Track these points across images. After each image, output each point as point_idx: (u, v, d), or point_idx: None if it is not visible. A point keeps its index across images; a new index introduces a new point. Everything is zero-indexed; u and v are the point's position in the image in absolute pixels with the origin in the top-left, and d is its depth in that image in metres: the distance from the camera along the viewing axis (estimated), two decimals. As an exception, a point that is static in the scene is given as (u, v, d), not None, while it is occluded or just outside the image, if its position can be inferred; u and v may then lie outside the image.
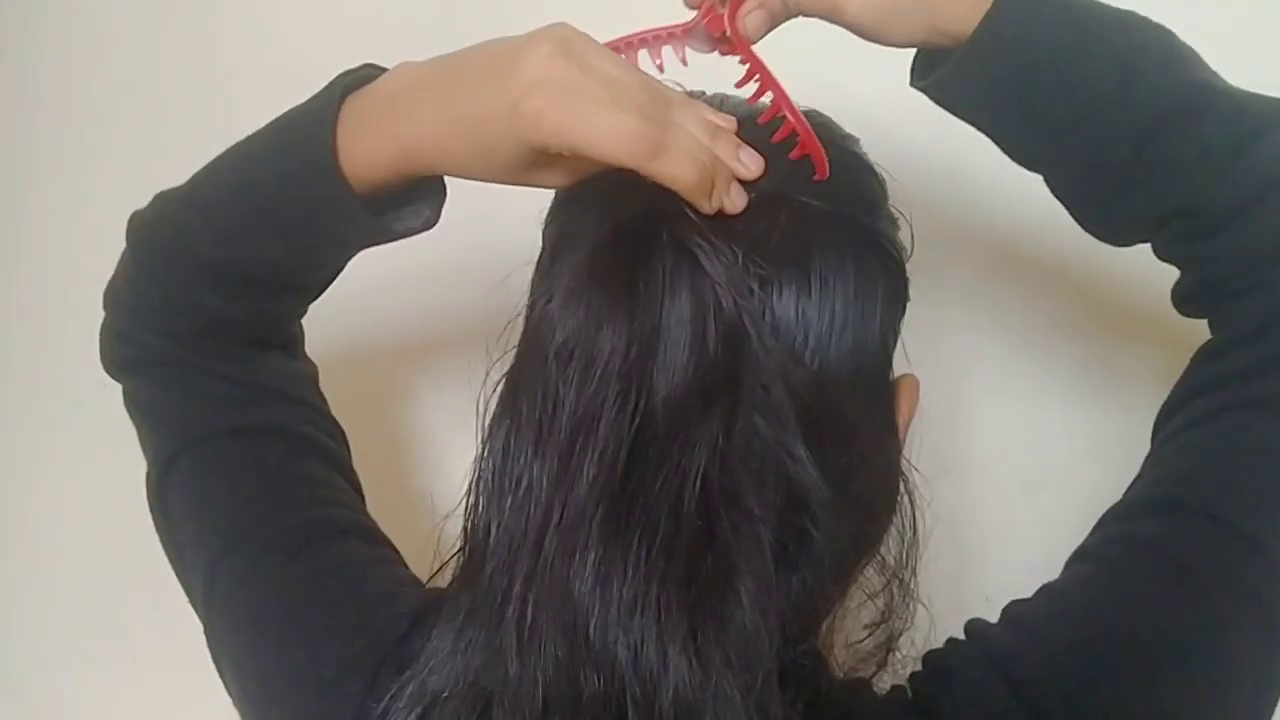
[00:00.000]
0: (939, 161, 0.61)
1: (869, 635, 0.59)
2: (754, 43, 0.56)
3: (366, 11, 1.09)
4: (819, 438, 0.52)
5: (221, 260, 0.62)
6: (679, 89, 0.56)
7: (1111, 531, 0.57)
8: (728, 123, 0.55)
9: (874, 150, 0.61)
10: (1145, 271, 0.61)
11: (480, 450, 0.54)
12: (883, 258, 0.57)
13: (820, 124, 0.59)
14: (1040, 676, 0.52)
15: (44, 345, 1.16)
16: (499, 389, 0.54)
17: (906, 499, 0.59)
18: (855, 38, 0.58)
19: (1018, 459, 0.91)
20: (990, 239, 0.89)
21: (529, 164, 0.52)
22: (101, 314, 0.68)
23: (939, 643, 0.57)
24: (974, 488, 0.91)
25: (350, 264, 0.65)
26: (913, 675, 0.56)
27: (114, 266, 0.67)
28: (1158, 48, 0.56)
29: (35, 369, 1.18)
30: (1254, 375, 0.55)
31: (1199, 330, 0.60)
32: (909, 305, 0.60)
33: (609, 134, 0.49)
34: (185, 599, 0.65)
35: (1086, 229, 0.61)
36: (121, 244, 0.66)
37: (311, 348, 0.72)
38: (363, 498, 0.69)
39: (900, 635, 0.59)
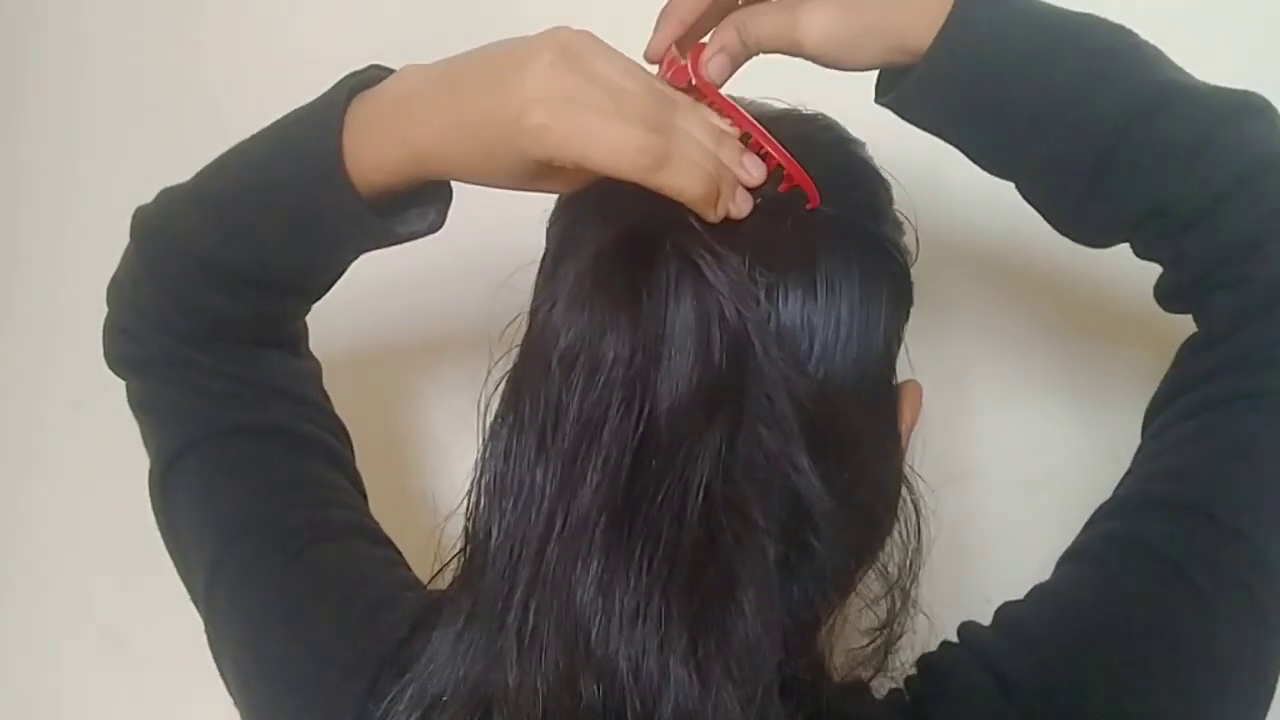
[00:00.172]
0: (939, 167, 0.61)
1: (869, 642, 0.59)
2: (719, 87, 0.56)
3: (366, 12, 1.09)
4: (822, 448, 0.52)
5: (226, 261, 0.62)
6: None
7: (1102, 529, 0.57)
8: (732, 129, 0.54)
9: (878, 154, 0.61)
10: (1142, 272, 0.61)
11: (482, 453, 0.53)
12: (888, 262, 0.57)
13: (825, 127, 0.60)
14: (1033, 678, 0.52)
15: (42, 345, 1.15)
16: (501, 391, 0.54)
17: (910, 506, 0.59)
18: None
19: (1017, 461, 0.92)
20: (987, 243, 0.89)
21: (534, 173, 0.52)
22: (101, 312, 0.68)
23: (936, 645, 0.58)
24: (974, 490, 0.91)
25: (354, 264, 0.65)
26: (908, 678, 0.56)
27: (112, 266, 0.67)
28: (1119, 48, 0.56)
29: (34, 368, 1.17)
30: (1236, 369, 0.55)
31: (1192, 329, 0.60)
32: (917, 312, 0.60)
33: (613, 148, 0.49)
34: (185, 598, 0.65)
35: (1062, 233, 0.61)
36: (120, 243, 0.66)
37: (315, 347, 0.72)
38: (365, 497, 0.69)
39: (899, 639, 0.59)
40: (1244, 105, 0.55)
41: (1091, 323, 0.89)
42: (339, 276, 0.66)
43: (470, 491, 0.54)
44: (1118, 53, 0.55)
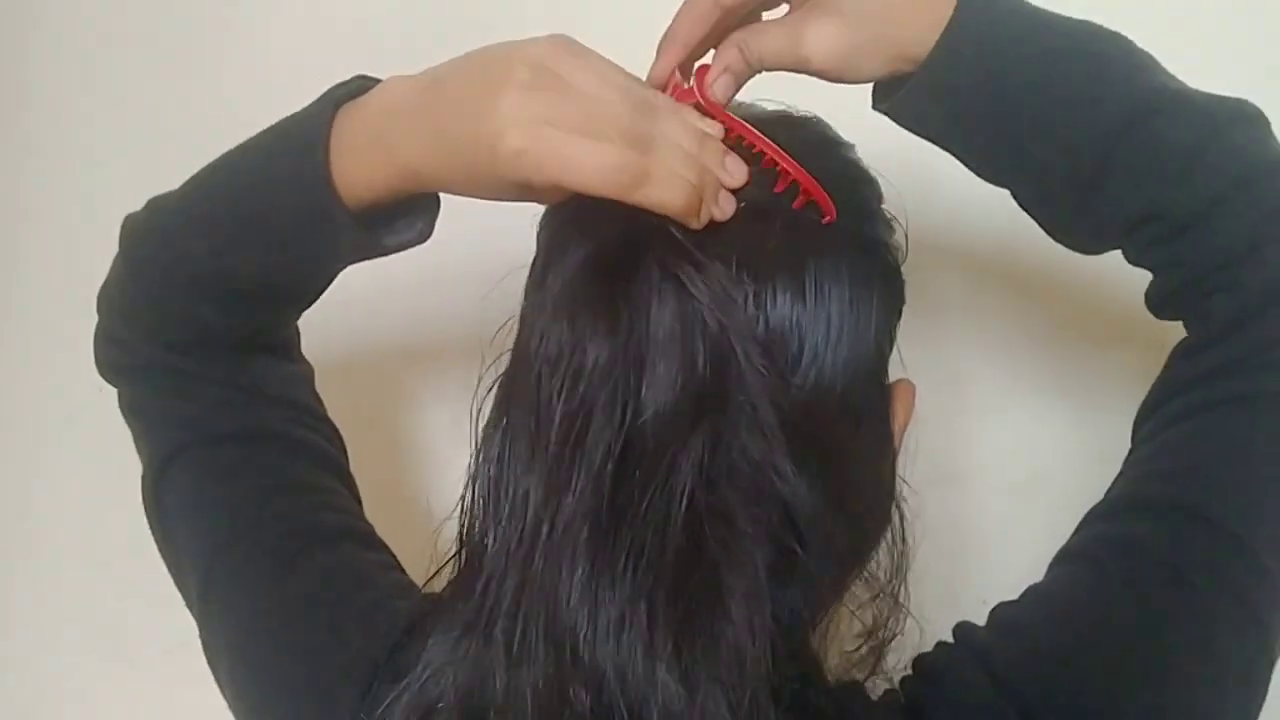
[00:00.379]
0: (932, 169, 0.61)
1: (862, 643, 0.59)
2: (726, 106, 0.56)
3: (364, 13, 1.09)
4: (810, 454, 0.52)
5: (215, 272, 0.62)
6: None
7: (1095, 530, 0.57)
8: (714, 129, 0.54)
9: (872, 155, 0.60)
10: (1133, 276, 0.61)
11: (475, 457, 0.54)
12: (878, 264, 0.57)
13: (813, 130, 0.60)
14: (1028, 678, 0.52)
15: (41, 348, 1.16)
16: (494, 396, 0.54)
17: (896, 510, 0.59)
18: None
19: (1009, 463, 0.92)
20: (980, 247, 0.89)
21: (519, 190, 0.52)
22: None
23: (931, 646, 0.58)
24: (967, 492, 0.91)
25: (349, 268, 0.64)
26: (904, 679, 0.57)
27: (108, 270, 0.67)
28: (1115, 55, 0.56)
29: (31, 373, 1.18)
30: (1229, 373, 0.55)
31: (1182, 333, 0.60)
32: (911, 314, 0.60)
33: (590, 169, 0.48)
34: (181, 602, 0.65)
35: (1057, 239, 0.61)
36: (114, 248, 0.66)
37: (309, 351, 0.72)
38: (359, 501, 0.69)
39: (891, 641, 0.59)
40: (1238, 112, 0.55)
41: (1082, 326, 0.89)
42: (328, 285, 0.66)
43: (463, 496, 0.54)
44: (1113, 59, 0.56)
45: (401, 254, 0.62)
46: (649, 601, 0.48)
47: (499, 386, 0.54)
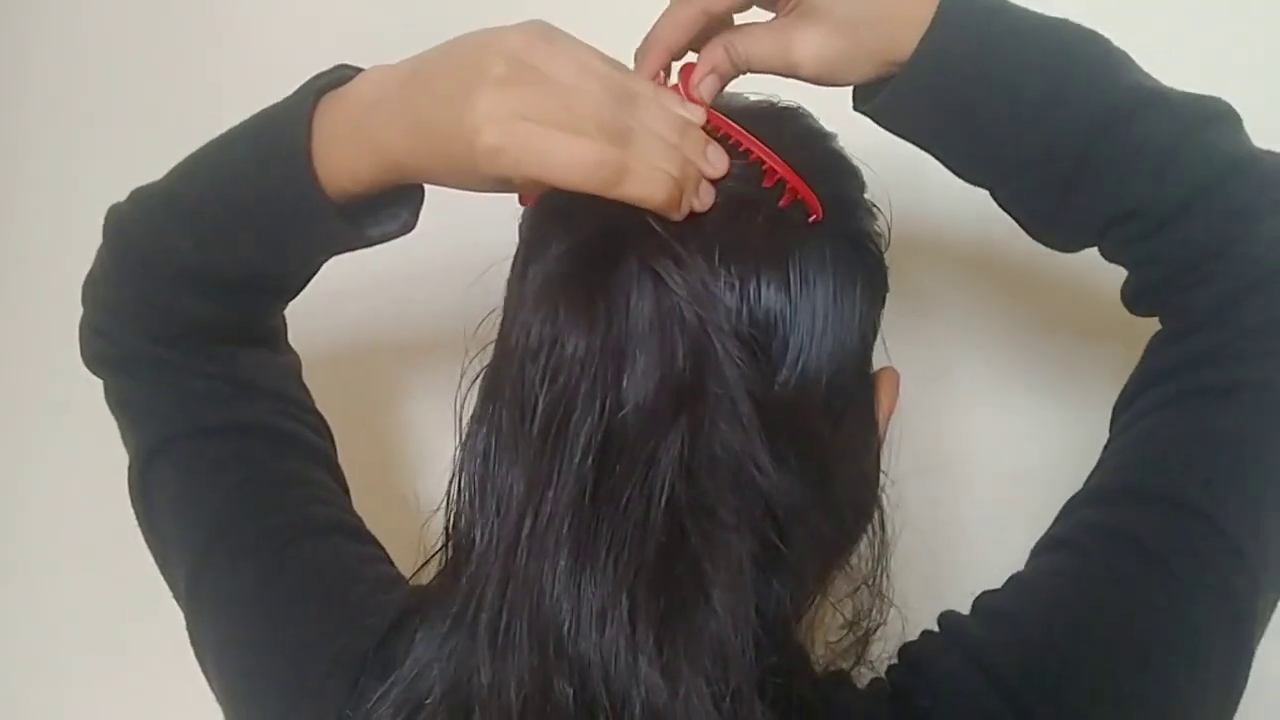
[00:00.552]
0: (919, 158, 0.61)
1: (846, 633, 0.60)
2: (709, 104, 0.56)
3: (360, 10, 1.09)
4: (794, 445, 0.52)
5: (199, 265, 0.62)
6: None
7: (1077, 518, 0.57)
8: (695, 115, 0.54)
9: (863, 148, 0.60)
10: (1120, 268, 0.61)
11: (460, 450, 0.54)
12: (862, 254, 0.57)
13: (795, 121, 0.60)
14: (1014, 663, 0.52)
15: (33, 342, 1.16)
16: (478, 388, 0.55)
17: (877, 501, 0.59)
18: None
19: (999, 455, 0.92)
20: (969, 241, 0.89)
21: (500, 184, 0.52)
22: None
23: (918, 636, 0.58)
24: (956, 484, 0.92)
25: (335, 259, 0.64)
26: (890, 668, 0.57)
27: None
28: (1093, 54, 0.56)
29: (22, 366, 1.18)
30: (1206, 363, 0.56)
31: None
32: (889, 306, 0.60)
33: (569, 165, 0.48)
34: (171, 595, 0.65)
35: (1035, 236, 0.61)
36: (106, 240, 0.66)
37: (297, 343, 0.72)
38: (347, 493, 0.69)
39: (875, 631, 0.59)
40: (1211, 110, 0.56)
41: (1070, 318, 0.89)
42: (313, 275, 0.66)
43: (449, 490, 0.54)
44: (1091, 59, 0.56)
45: (386, 246, 0.62)
46: (630, 594, 0.48)
47: (483, 380, 0.54)
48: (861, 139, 0.60)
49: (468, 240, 0.74)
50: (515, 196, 0.57)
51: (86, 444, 0.67)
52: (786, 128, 0.59)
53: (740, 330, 0.52)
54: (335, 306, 0.79)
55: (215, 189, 0.61)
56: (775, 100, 0.60)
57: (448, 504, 0.55)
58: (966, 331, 0.93)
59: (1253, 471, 0.54)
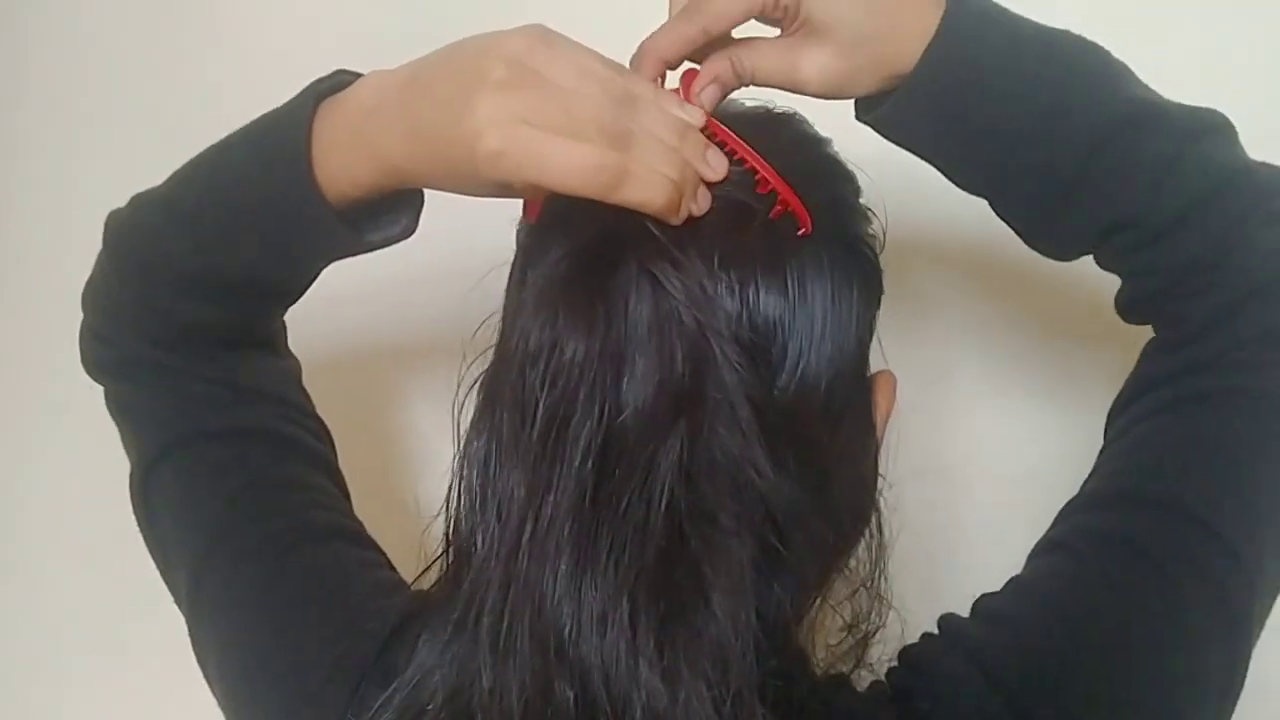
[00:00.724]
0: (916, 162, 0.61)
1: (845, 636, 0.60)
2: (710, 113, 0.55)
3: (360, 10, 1.09)
4: (793, 449, 0.52)
5: (199, 270, 0.62)
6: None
7: (1074, 522, 0.58)
8: (695, 117, 0.54)
9: (861, 152, 0.60)
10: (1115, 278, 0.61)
11: (460, 456, 0.54)
12: (858, 259, 0.57)
13: (792, 127, 0.60)
14: (1014, 665, 0.53)
15: (34, 343, 1.16)
16: (477, 392, 0.55)
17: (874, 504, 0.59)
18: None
19: (998, 458, 0.92)
20: (968, 246, 0.89)
21: (500, 188, 0.52)
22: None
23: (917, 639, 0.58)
24: (956, 487, 0.92)
25: (337, 264, 0.64)
26: (890, 670, 0.57)
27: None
28: (1093, 66, 0.57)
29: (22, 366, 1.18)
30: (1201, 371, 0.56)
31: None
32: (888, 310, 0.60)
33: (570, 170, 0.48)
34: (172, 598, 0.65)
35: (1031, 245, 0.62)
36: (109, 241, 0.65)
37: (298, 348, 0.72)
38: (348, 497, 0.69)
39: (875, 634, 0.60)
40: (1207, 123, 0.57)
41: (1070, 324, 0.89)
42: (313, 280, 0.66)
43: (449, 495, 0.54)
44: (1091, 71, 0.56)
45: (386, 250, 0.62)
46: (631, 598, 0.48)
47: (482, 385, 0.54)
48: (857, 144, 0.60)
49: (467, 245, 0.74)
50: (514, 201, 0.57)
51: (86, 444, 0.67)
52: (782, 133, 0.59)
53: (739, 335, 0.52)
54: (335, 311, 0.79)
55: (215, 194, 0.61)
56: (771, 106, 0.60)
57: (448, 509, 0.55)
58: (965, 335, 0.93)
59: (1248, 477, 0.55)
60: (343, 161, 0.55)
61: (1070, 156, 0.56)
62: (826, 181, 0.58)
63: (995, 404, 0.93)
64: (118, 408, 0.66)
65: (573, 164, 0.48)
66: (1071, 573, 0.56)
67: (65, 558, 1.15)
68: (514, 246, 0.59)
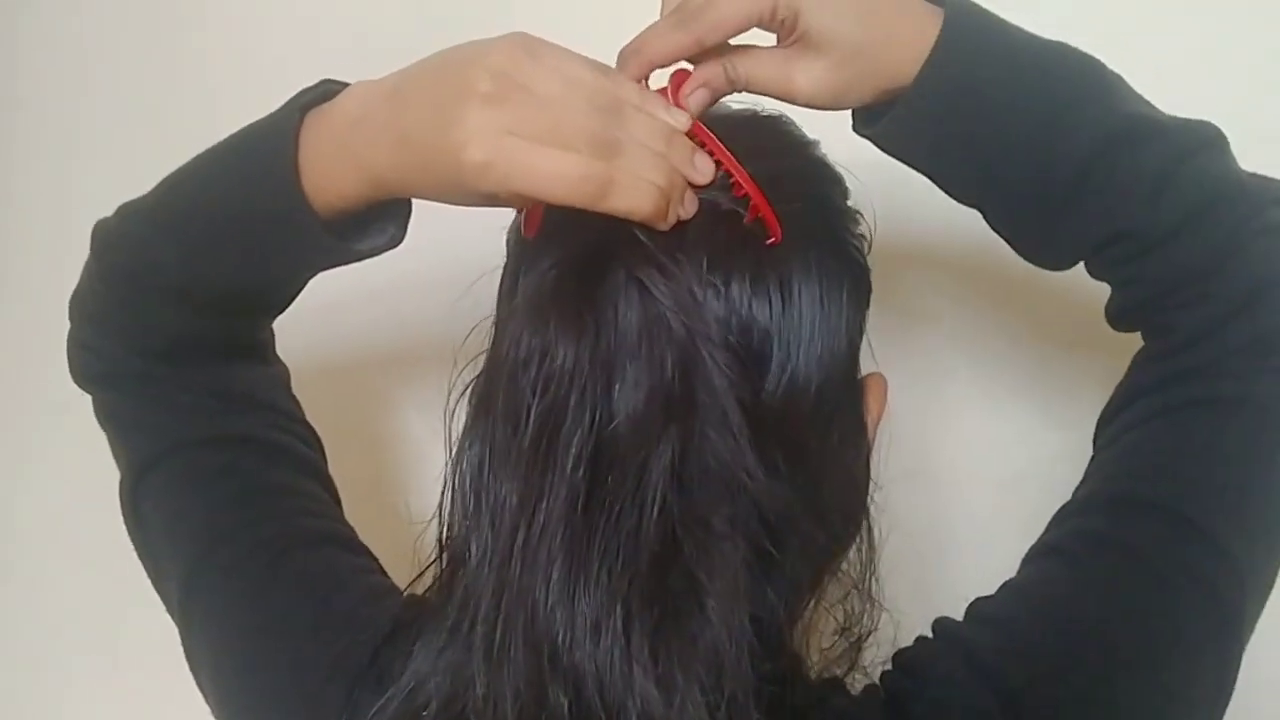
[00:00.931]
0: (904, 166, 0.61)
1: (837, 640, 0.60)
2: (696, 117, 0.55)
3: (356, 11, 1.08)
4: (784, 453, 0.52)
5: (186, 281, 0.61)
6: None
7: (1069, 526, 0.58)
8: (681, 121, 0.53)
9: (856, 157, 0.60)
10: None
11: (453, 462, 0.54)
12: (847, 262, 0.57)
13: (779, 130, 0.60)
14: (1010, 669, 0.53)
15: (31, 344, 1.15)
16: (469, 399, 0.55)
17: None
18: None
19: (991, 462, 0.92)
20: (961, 250, 0.89)
21: (487, 199, 0.51)
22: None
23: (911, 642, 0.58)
24: (949, 491, 0.92)
25: (325, 271, 0.64)
26: (884, 674, 0.57)
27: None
28: (1091, 78, 0.57)
29: (22, 366, 1.18)
30: (1192, 379, 0.56)
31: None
32: (878, 313, 0.60)
33: (555, 180, 0.48)
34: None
35: (1024, 256, 0.61)
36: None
37: (287, 356, 0.72)
38: (339, 503, 0.69)
39: (868, 637, 0.60)
40: (1202, 137, 0.57)
41: (1060, 328, 0.89)
42: (300, 290, 0.65)
43: (442, 501, 0.55)
44: (1087, 85, 0.56)
45: (378, 257, 0.61)
46: (624, 605, 0.48)
47: (475, 392, 0.54)
48: (845, 146, 0.60)
49: (457, 250, 0.74)
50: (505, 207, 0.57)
51: (86, 444, 0.67)
52: (769, 136, 0.59)
53: (728, 339, 0.52)
54: (325, 317, 0.79)
55: (201, 205, 0.60)
56: (758, 108, 0.60)
57: (441, 515, 0.55)
58: (956, 339, 0.93)
59: (1239, 480, 0.55)
60: (329, 172, 0.55)
61: (1065, 170, 0.55)
62: (814, 184, 0.58)
63: (985, 408, 0.93)
64: (106, 417, 0.66)
65: (559, 174, 0.48)
66: (1065, 576, 0.56)
67: (64, 558, 1.15)
68: (504, 252, 0.59)
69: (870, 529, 0.59)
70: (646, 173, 0.49)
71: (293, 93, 0.59)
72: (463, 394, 0.55)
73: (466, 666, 0.51)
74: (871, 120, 0.58)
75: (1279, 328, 0.56)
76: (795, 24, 0.54)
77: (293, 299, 0.66)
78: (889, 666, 0.57)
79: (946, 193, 0.60)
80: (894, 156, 0.59)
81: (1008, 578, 0.58)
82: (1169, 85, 0.60)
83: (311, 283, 0.65)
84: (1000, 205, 0.59)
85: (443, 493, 0.54)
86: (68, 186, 1.19)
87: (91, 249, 0.65)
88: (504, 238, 0.59)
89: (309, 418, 0.70)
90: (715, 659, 0.48)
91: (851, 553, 0.59)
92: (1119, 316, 0.61)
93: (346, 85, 0.57)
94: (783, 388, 0.53)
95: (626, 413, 0.49)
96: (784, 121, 0.60)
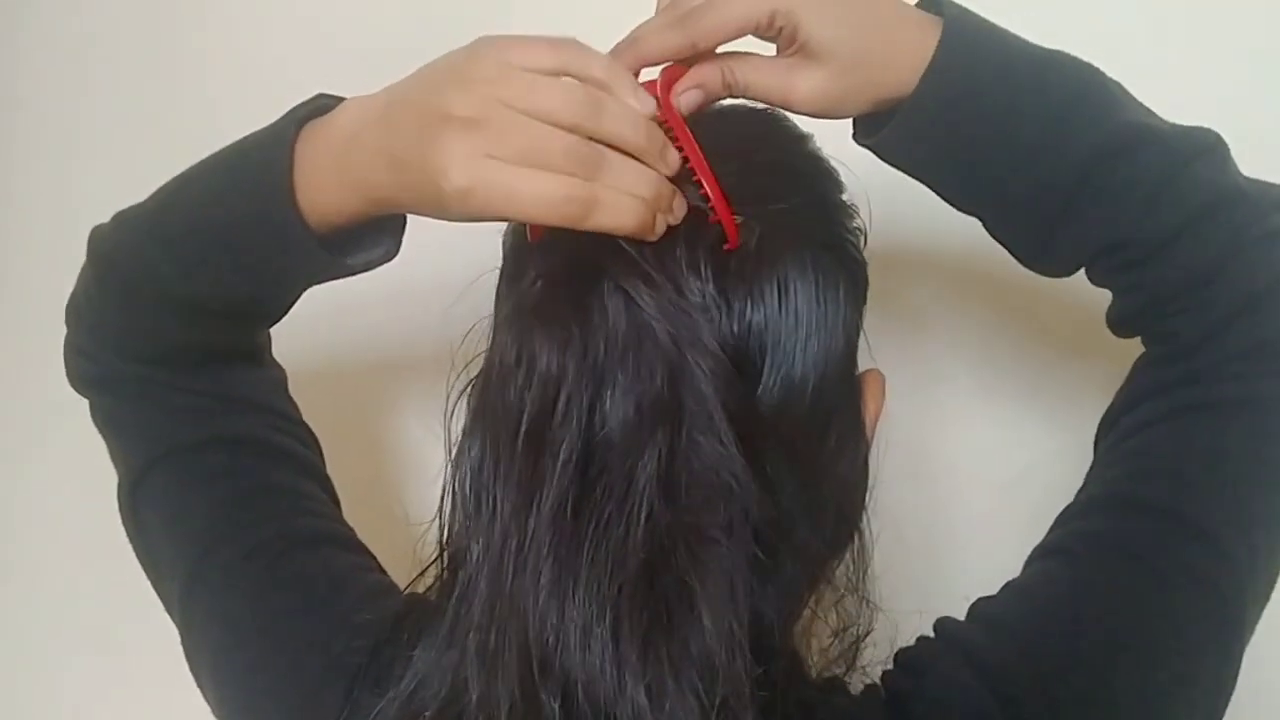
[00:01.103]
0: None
1: (834, 640, 0.60)
2: (686, 117, 0.55)
3: (356, 12, 1.08)
4: (781, 454, 0.52)
5: (181, 291, 0.61)
6: None
7: (1072, 528, 0.58)
8: (646, 105, 0.51)
9: (855, 161, 0.60)
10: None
11: (451, 465, 0.54)
12: (843, 258, 0.58)
13: (772, 125, 0.60)
14: (1011, 669, 0.53)
15: (29, 344, 1.15)
16: (468, 402, 0.55)
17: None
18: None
19: (992, 463, 0.92)
20: (962, 251, 0.89)
21: (478, 218, 0.50)
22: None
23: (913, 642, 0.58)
24: (950, 492, 0.92)
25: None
26: (885, 673, 0.57)
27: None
28: (1088, 87, 0.57)
29: (22, 366, 1.18)
30: (1194, 383, 0.56)
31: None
32: (877, 314, 0.60)
33: (537, 203, 0.48)
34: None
35: (1024, 264, 0.61)
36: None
37: (286, 359, 0.72)
38: (338, 503, 0.69)
39: (865, 637, 0.60)
40: (1201, 143, 0.57)
41: (1059, 331, 0.89)
42: (296, 300, 0.65)
43: (440, 506, 0.55)
44: (1085, 93, 0.56)
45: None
46: (614, 611, 0.48)
47: (471, 398, 0.55)
48: (839, 139, 0.60)
49: (454, 252, 0.74)
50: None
51: (86, 444, 0.68)
52: (761, 130, 0.59)
53: (720, 344, 0.51)
54: (324, 320, 0.79)
55: (198, 219, 0.60)
56: (750, 102, 0.59)
57: (441, 517, 0.55)
58: (954, 343, 0.93)
59: (1241, 483, 0.55)
60: (325, 187, 0.54)
61: (1064, 178, 0.55)
62: (808, 179, 0.58)
63: (984, 410, 0.93)
64: (103, 421, 0.66)
65: (540, 197, 0.47)
66: (1067, 577, 0.56)
67: (65, 558, 1.15)
68: (499, 254, 0.59)
69: (862, 531, 0.59)
70: (630, 186, 0.49)
71: (293, 94, 0.59)
72: (462, 394, 0.55)
73: (461, 671, 0.51)
74: (871, 130, 0.58)
75: None
76: (795, 34, 0.54)
77: (289, 308, 0.66)
78: (889, 666, 0.57)
79: (946, 201, 0.60)
80: (894, 166, 0.59)
81: (1007, 579, 0.58)
82: (1169, 87, 0.61)
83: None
84: (1000, 214, 0.59)
85: (442, 495, 0.54)
86: (68, 186, 1.19)
87: (88, 256, 0.65)
88: (501, 239, 0.59)
89: (307, 420, 0.70)
90: (708, 663, 0.48)
91: (848, 554, 0.59)
92: (1120, 323, 0.61)
93: (341, 100, 0.57)
94: (779, 388, 0.53)
95: (615, 420, 0.50)
96: (776, 115, 0.59)
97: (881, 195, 0.62)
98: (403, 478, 1.03)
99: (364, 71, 0.60)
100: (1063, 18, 0.67)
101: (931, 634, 0.57)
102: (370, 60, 0.59)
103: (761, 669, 0.50)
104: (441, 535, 0.55)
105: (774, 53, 0.57)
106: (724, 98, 0.57)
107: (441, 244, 0.68)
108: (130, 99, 1.17)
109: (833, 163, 0.60)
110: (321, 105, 0.57)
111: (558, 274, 0.52)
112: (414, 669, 0.54)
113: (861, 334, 0.59)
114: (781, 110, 0.59)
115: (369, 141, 0.52)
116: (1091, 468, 0.60)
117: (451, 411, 0.55)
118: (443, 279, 0.68)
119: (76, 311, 0.67)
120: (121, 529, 0.66)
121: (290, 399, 0.70)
